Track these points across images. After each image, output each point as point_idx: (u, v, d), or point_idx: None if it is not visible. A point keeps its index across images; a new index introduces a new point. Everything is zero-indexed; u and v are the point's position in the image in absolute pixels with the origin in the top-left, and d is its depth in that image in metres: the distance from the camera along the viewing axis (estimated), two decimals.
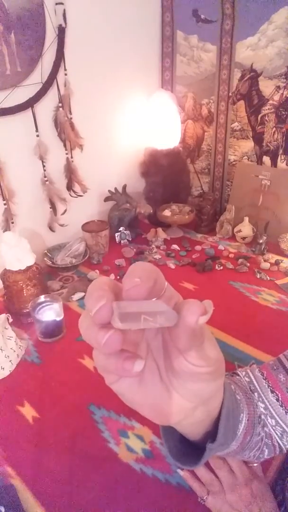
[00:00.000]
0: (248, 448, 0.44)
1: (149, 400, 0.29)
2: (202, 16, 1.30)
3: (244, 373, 0.51)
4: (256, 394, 0.48)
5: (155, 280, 0.25)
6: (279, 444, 0.47)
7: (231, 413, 0.39)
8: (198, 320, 0.24)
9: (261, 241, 1.24)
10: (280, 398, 0.46)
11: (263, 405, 0.47)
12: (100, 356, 0.26)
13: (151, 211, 1.39)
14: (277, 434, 0.47)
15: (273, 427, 0.46)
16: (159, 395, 0.29)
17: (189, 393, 0.29)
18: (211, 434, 0.36)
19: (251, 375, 0.50)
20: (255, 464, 0.57)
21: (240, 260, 1.21)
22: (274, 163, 1.32)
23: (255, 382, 0.49)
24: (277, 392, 0.47)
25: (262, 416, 0.46)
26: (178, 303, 0.27)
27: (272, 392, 0.47)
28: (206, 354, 0.27)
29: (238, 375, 0.51)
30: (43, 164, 1.15)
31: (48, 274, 1.17)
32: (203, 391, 0.29)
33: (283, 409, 0.46)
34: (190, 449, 0.38)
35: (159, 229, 1.40)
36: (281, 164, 1.30)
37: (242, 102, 1.31)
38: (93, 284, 0.26)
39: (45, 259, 1.19)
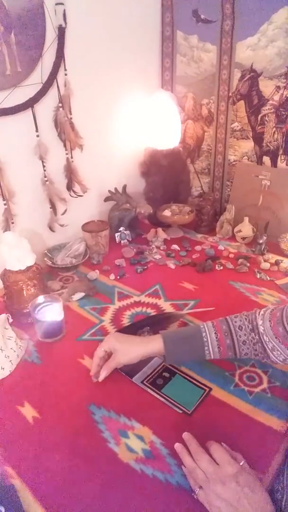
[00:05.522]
0: (241, 344, 0.73)
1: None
2: (202, 16, 1.30)
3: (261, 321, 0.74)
4: (260, 321, 0.73)
5: None
6: (269, 351, 0.71)
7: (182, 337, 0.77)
8: None
9: (261, 241, 1.24)
10: (272, 325, 0.71)
11: (262, 328, 0.72)
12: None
13: (151, 211, 1.39)
14: (268, 347, 0.71)
15: (266, 343, 0.71)
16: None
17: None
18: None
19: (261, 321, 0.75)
20: (241, 463, 0.57)
21: (240, 260, 1.21)
22: (274, 163, 1.32)
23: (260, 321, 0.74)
24: (271, 321, 0.71)
25: (261, 330, 0.72)
26: None
27: (269, 321, 0.71)
28: None
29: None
30: (43, 164, 1.15)
31: (48, 274, 1.17)
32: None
33: (272, 333, 0.70)
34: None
35: (159, 229, 1.40)
36: (281, 164, 1.30)
37: (242, 102, 1.31)
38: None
39: (45, 259, 1.19)
